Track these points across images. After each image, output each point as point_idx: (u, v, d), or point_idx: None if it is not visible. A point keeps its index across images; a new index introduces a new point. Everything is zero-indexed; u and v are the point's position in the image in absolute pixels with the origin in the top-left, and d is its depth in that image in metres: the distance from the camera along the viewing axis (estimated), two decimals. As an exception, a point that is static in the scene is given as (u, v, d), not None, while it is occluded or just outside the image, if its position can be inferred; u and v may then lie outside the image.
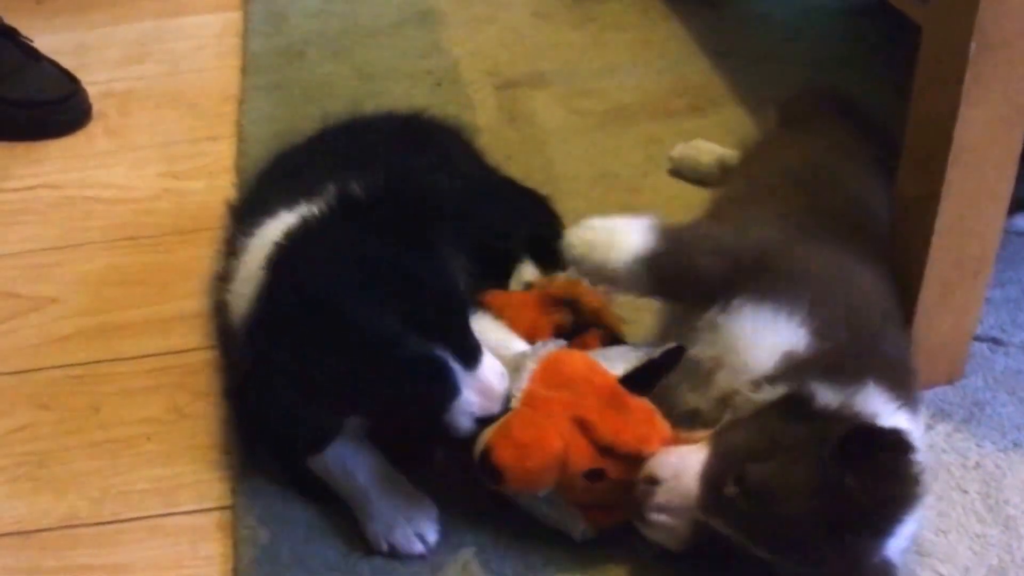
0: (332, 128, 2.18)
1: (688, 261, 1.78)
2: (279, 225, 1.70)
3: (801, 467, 1.55)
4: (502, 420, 1.66)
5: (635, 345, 1.84)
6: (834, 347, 1.68)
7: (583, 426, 1.66)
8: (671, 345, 1.74)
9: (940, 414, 1.94)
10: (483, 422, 1.65)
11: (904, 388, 1.69)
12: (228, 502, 1.87)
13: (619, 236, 1.79)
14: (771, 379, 1.67)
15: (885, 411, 1.63)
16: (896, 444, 1.53)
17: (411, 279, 1.58)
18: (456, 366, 1.60)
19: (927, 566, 1.71)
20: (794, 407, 1.63)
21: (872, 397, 1.63)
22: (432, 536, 1.76)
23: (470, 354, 1.63)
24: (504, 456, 1.64)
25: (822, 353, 1.68)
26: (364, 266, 1.57)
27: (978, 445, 1.89)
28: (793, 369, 1.67)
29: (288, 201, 1.77)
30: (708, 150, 2.52)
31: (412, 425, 1.68)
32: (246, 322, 1.62)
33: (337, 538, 1.78)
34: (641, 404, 1.72)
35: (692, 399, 1.77)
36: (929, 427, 1.90)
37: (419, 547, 1.74)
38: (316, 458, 1.78)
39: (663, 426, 1.72)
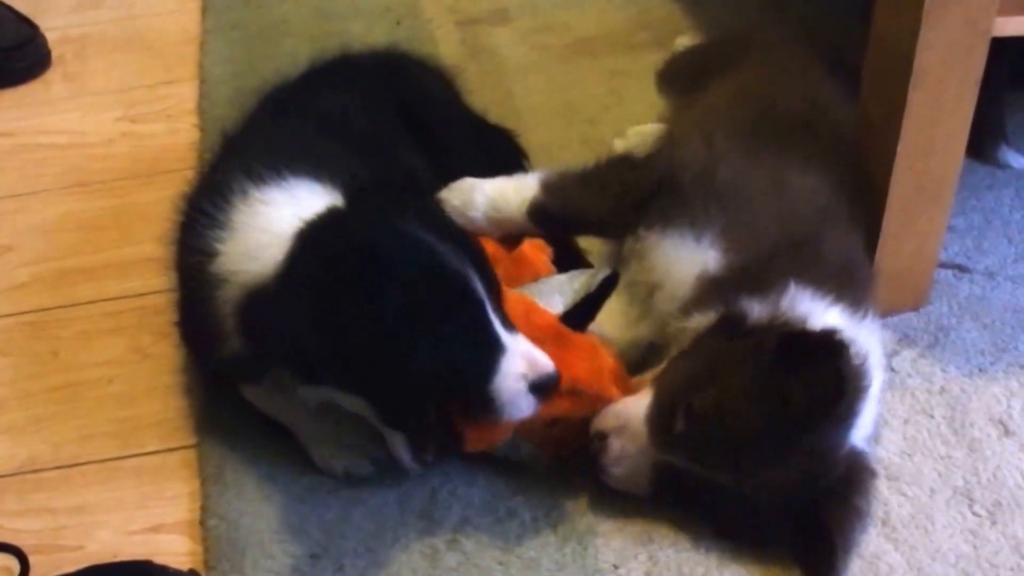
0: (319, 69, 2.16)
1: (571, 204, 1.88)
2: (299, 195, 1.69)
3: (743, 386, 1.56)
4: None
5: (570, 274, 1.82)
6: (752, 259, 1.69)
7: None
8: (605, 273, 1.75)
9: (905, 340, 1.95)
10: (540, 392, 1.56)
11: (836, 284, 1.68)
12: (192, 441, 1.87)
13: (515, 192, 1.91)
14: (695, 304, 1.69)
15: (814, 310, 1.64)
16: (826, 344, 1.54)
17: (453, 240, 1.57)
18: (496, 320, 1.55)
19: (894, 488, 1.73)
20: (728, 329, 1.64)
21: (798, 299, 1.64)
22: (380, 453, 1.76)
23: (506, 320, 1.59)
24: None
25: (738, 268, 1.69)
26: (406, 235, 1.55)
27: (943, 370, 1.90)
28: (711, 289, 1.69)
29: (301, 166, 1.74)
30: (649, 131, 2.39)
31: (463, 395, 1.59)
32: (276, 276, 1.58)
33: (304, 473, 1.78)
34: (585, 340, 1.72)
35: (641, 328, 1.79)
36: (895, 352, 1.92)
37: (369, 468, 1.76)
38: (251, 387, 1.79)
39: (609, 359, 1.72)
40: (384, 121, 2.00)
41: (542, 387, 1.56)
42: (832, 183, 1.82)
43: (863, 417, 1.61)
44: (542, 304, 1.73)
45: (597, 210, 1.86)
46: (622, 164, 1.93)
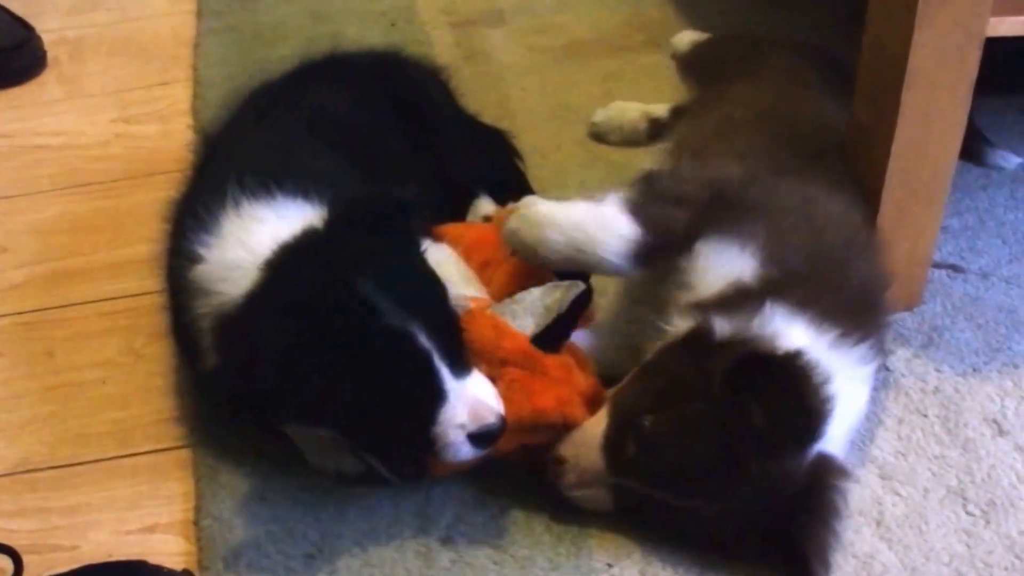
0: (310, 68, 2.16)
1: (668, 227, 1.74)
2: (285, 214, 1.70)
3: (693, 407, 1.55)
4: None
5: (543, 289, 1.80)
6: (783, 274, 1.67)
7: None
8: (577, 290, 1.73)
9: (899, 339, 1.95)
10: (480, 442, 1.59)
11: (831, 309, 1.65)
12: (187, 441, 1.87)
13: (602, 230, 1.73)
14: (708, 304, 1.66)
15: (786, 331, 1.61)
16: (785, 367, 1.52)
17: (404, 285, 1.58)
18: (443, 368, 1.56)
19: (888, 488, 1.73)
20: (694, 344, 1.62)
21: (772, 317, 1.61)
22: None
23: (459, 363, 1.59)
24: None
25: (768, 281, 1.66)
26: (363, 271, 1.56)
27: (937, 370, 1.90)
28: (736, 297, 1.66)
29: (291, 180, 1.74)
30: (630, 108, 2.46)
31: (403, 439, 1.62)
32: (240, 306, 1.60)
33: (299, 474, 1.78)
34: (557, 361, 1.71)
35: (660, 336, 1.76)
36: (888, 352, 1.91)
37: (362, 467, 1.75)
38: None
39: (582, 381, 1.71)
40: (376, 120, 2.00)
41: (482, 437, 1.58)
42: (858, 205, 1.84)
43: (833, 434, 1.59)
44: (515, 325, 1.72)
45: (682, 227, 1.74)
46: (676, 176, 1.86)
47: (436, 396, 1.56)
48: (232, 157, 1.88)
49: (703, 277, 1.71)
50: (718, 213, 1.73)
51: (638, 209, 1.74)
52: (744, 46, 2.36)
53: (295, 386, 1.51)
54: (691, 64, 2.42)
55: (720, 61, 2.34)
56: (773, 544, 1.59)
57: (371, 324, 1.52)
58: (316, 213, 1.68)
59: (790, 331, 1.60)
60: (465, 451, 1.58)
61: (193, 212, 1.75)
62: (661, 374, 1.64)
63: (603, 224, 1.72)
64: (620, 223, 1.72)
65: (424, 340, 1.53)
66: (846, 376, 1.61)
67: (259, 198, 1.72)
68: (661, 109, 2.41)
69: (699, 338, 1.63)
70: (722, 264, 1.69)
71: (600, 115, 2.47)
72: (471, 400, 1.57)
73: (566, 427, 1.66)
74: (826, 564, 1.57)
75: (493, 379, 1.63)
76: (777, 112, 2.04)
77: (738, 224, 1.71)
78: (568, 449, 1.64)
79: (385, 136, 1.98)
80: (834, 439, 1.60)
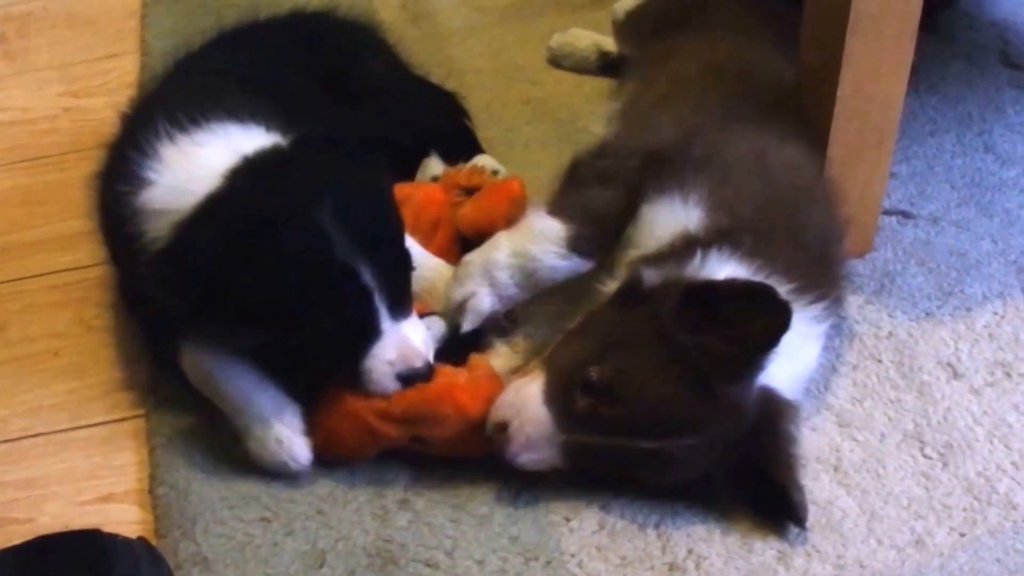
0: (241, 28, 2.16)
1: (602, 214, 1.75)
2: (223, 138, 1.72)
3: (645, 347, 1.55)
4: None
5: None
6: (729, 223, 1.67)
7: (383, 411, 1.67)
8: None
9: (852, 287, 1.94)
10: (406, 382, 1.66)
11: (770, 256, 1.65)
12: (140, 411, 1.87)
13: (535, 242, 1.73)
14: (658, 257, 1.66)
15: (717, 270, 1.61)
16: (735, 289, 1.54)
17: (362, 219, 1.62)
18: (382, 308, 1.63)
19: (845, 434, 1.74)
20: (627, 296, 1.63)
21: (705, 263, 1.62)
22: (303, 456, 1.71)
23: (399, 306, 1.66)
24: (317, 442, 1.70)
25: (715, 231, 1.66)
26: (324, 197, 1.61)
27: (890, 315, 1.91)
28: (683, 247, 1.66)
29: (224, 112, 1.76)
30: (585, 37, 2.53)
31: (331, 366, 1.67)
32: (193, 221, 1.62)
33: (251, 445, 1.78)
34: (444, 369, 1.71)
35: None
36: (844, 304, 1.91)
37: (294, 466, 1.71)
38: (189, 361, 1.77)
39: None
40: (303, 84, 2.00)
41: (407, 377, 1.66)
42: (810, 155, 1.84)
43: (783, 385, 1.61)
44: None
45: (618, 203, 1.74)
46: (602, 154, 1.85)
47: (371, 333, 1.64)
48: (156, 106, 1.88)
49: (650, 233, 1.71)
50: (656, 174, 1.73)
51: (558, 206, 1.75)
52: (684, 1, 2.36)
53: (231, 289, 1.56)
54: (631, 30, 2.41)
55: (662, 19, 2.33)
56: (740, 482, 1.61)
57: (320, 254, 1.57)
58: (269, 137, 1.72)
59: (723, 271, 1.61)
60: (388, 384, 1.66)
61: (131, 147, 1.76)
62: (596, 330, 1.64)
63: (533, 237, 1.73)
64: (547, 225, 1.73)
65: (369, 277, 1.60)
66: (797, 332, 1.58)
67: (196, 125, 1.74)
68: (612, 43, 2.47)
69: (629, 292, 1.63)
70: (666, 218, 1.70)
71: (557, 39, 2.55)
72: (403, 342, 1.65)
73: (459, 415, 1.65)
74: (798, 486, 1.59)
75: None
76: (727, 64, 2.03)
77: (679, 178, 1.70)
78: (506, 411, 1.61)
79: (312, 98, 1.96)
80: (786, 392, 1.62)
